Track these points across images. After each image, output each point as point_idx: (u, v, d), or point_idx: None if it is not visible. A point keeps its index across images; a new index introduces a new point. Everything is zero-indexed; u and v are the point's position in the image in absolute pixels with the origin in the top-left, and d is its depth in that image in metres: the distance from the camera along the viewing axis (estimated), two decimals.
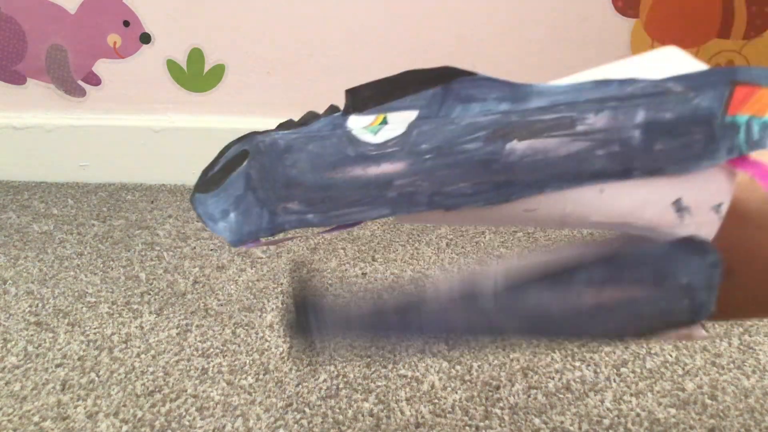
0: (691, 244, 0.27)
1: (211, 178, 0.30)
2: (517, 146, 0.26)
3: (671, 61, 0.28)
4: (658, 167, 0.26)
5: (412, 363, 0.58)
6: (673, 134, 0.25)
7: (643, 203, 0.27)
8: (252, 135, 0.30)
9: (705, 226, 0.27)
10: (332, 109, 0.29)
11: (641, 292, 0.28)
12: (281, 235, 0.29)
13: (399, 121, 0.28)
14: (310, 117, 0.29)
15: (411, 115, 0.28)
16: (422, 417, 0.52)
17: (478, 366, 0.58)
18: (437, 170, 0.27)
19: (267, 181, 0.28)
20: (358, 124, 0.28)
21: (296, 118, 0.30)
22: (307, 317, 0.33)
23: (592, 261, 0.28)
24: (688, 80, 0.26)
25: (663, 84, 0.26)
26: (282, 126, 0.30)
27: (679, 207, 0.27)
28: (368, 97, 0.28)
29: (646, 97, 0.26)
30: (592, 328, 0.29)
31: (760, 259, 0.29)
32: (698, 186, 0.26)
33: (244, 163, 0.29)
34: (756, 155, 0.25)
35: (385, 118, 0.28)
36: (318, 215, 0.28)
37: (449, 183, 0.27)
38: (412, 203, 0.27)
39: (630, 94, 0.26)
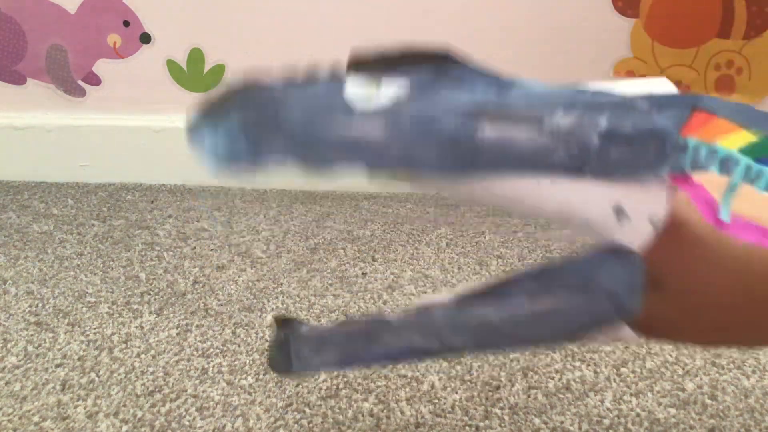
0: (614, 252, 0.29)
1: (210, 109, 0.32)
2: (488, 131, 0.29)
3: (655, 87, 0.30)
4: (608, 172, 0.28)
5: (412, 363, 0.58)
6: (628, 145, 0.28)
7: (588, 201, 0.29)
8: (255, 79, 0.32)
9: (640, 234, 0.29)
10: (334, 69, 0.32)
11: (569, 298, 0.30)
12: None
13: (390, 92, 0.30)
14: (313, 74, 0.32)
15: (402, 89, 0.30)
16: (422, 417, 0.52)
17: (478, 366, 0.58)
18: (411, 137, 0.29)
19: (260, 124, 0.31)
20: (353, 88, 0.30)
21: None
22: (287, 338, 0.36)
23: (527, 273, 0.31)
24: (654, 100, 0.28)
25: (631, 100, 0.28)
26: (285, 79, 0.32)
27: (618, 211, 0.29)
28: (368, 64, 0.30)
29: (611, 109, 0.28)
30: (531, 336, 0.32)
31: (698, 282, 0.30)
32: (638, 195, 0.28)
33: (243, 102, 0.32)
34: (704, 181, 0.27)
35: (378, 87, 0.30)
36: (297, 159, 0.31)
37: (418, 150, 0.29)
38: (382, 159, 0.30)
39: (599, 103, 0.28)
